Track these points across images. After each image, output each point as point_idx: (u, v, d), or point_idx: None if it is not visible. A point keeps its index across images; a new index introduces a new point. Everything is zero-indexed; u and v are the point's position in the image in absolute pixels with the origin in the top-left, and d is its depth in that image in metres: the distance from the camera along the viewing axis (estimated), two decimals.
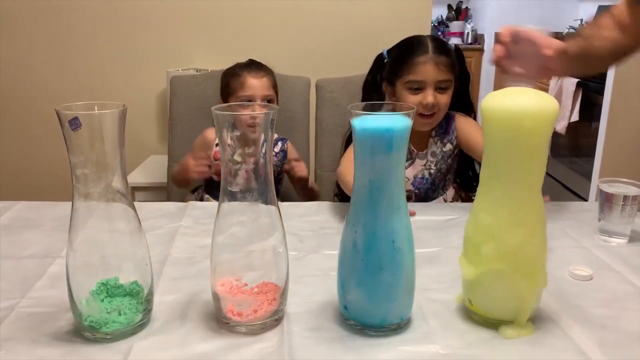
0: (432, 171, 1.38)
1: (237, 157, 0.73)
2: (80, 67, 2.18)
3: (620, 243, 1.06)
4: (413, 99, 1.28)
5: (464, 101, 1.41)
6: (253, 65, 1.53)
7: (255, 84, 1.48)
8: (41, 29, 2.15)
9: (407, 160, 1.31)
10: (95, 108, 0.71)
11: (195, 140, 1.59)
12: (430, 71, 1.27)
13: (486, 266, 0.76)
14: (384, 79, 1.39)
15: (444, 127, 1.38)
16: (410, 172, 1.38)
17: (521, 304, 0.76)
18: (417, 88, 1.29)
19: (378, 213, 0.72)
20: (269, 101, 1.50)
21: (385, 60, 1.37)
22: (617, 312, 0.82)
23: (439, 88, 1.29)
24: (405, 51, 1.32)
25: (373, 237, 0.73)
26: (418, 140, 1.38)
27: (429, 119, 1.31)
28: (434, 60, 1.27)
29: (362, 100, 1.40)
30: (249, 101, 1.45)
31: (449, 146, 1.38)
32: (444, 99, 1.30)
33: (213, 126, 1.33)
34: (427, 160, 1.38)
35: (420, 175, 1.38)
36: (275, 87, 1.55)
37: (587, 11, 4.26)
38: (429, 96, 1.27)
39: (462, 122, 1.38)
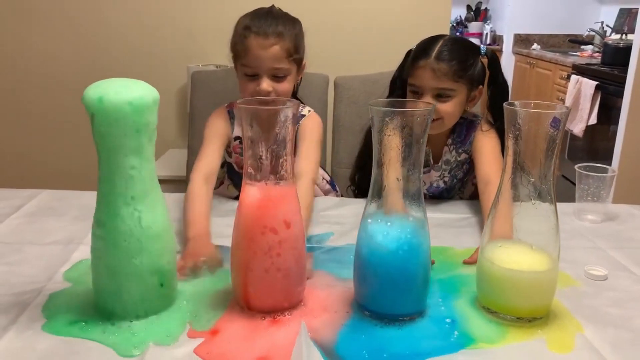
0: (446, 179, 1.32)
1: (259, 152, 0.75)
2: (102, 60, 2.22)
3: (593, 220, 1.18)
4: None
5: (501, 114, 1.13)
6: (263, 24, 1.18)
7: (259, 55, 1.17)
8: (66, 25, 2.19)
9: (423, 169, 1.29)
10: None
11: (205, 131, 1.28)
12: (427, 77, 1.18)
13: (500, 266, 0.77)
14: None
15: (462, 136, 1.29)
16: (425, 180, 1.33)
17: (536, 302, 0.77)
18: (417, 92, 1.21)
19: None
20: (278, 77, 1.20)
21: None
22: (631, 312, 0.83)
23: (439, 95, 1.19)
24: (415, 52, 1.24)
25: (382, 229, 0.75)
26: (435, 149, 1.30)
27: (433, 123, 1.16)
28: (431, 66, 1.17)
29: (389, 97, 1.31)
30: (253, 75, 1.20)
31: (464, 156, 1.30)
32: (445, 107, 1.19)
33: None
34: (442, 170, 1.31)
35: (435, 185, 1.33)
36: (292, 53, 1.21)
37: (609, 14, 4.22)
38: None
39: (480, 140, 1.26)
